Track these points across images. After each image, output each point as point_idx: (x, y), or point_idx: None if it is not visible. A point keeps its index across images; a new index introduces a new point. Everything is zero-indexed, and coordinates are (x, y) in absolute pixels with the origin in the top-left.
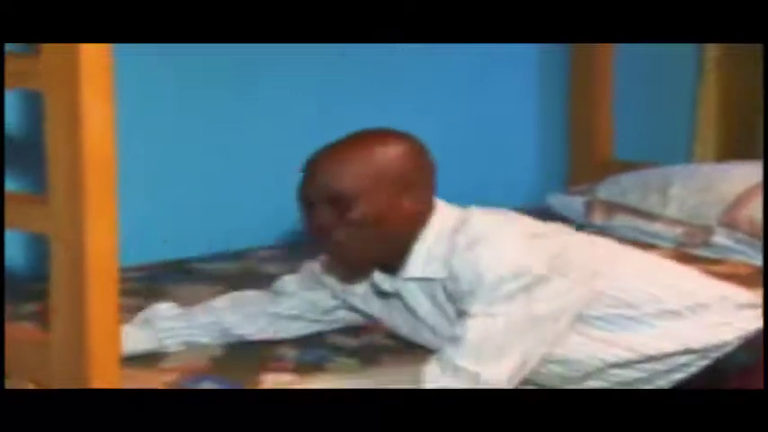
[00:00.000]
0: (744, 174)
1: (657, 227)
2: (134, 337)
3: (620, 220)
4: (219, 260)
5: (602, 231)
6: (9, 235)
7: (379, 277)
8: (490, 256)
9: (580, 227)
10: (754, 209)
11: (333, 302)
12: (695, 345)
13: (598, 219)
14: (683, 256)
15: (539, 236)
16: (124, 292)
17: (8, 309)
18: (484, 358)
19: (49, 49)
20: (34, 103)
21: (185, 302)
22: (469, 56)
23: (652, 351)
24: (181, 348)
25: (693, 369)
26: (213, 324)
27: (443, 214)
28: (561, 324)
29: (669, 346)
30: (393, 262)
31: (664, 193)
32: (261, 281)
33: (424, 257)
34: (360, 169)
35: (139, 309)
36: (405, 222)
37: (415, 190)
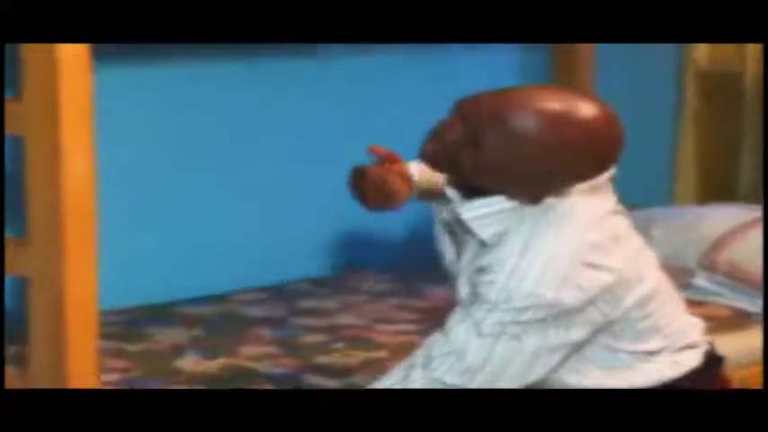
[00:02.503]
0: (724, 216)
1: None
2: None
3: None
4: (200, 303)
5: None
6: None
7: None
8: (533, 277)
9: None
10: (735, 252)
11: None
12: (641, 384)
13: None
14: None
15: (593, 266)
16: (103, 336)
17: None
18: (477, 383)
19: (30, 94)
20: (14, 146)
21: (165, 346)
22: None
23: (605, 386)
24: None
25: None
26: None
27: None
28: (566, 352)
29: (619, 384)
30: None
31: (644, 235)
32: (242, 324)
33: (485, 214)
34: (522, 146)
35: (119, 352)
36: (512, 195)
37: (558, 184)
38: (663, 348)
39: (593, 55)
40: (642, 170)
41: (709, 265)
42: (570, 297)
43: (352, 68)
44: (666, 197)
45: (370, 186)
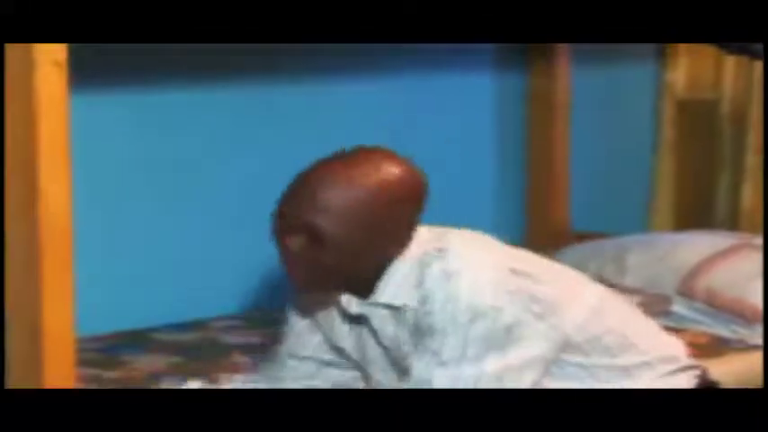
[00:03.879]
0: (701, 243)
1: None
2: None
3: None
4: (178, 330)
5: None
6: None
7: (346, 299)
8: (466, 291)
9: None
10: (712, 279)
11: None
12: None
13: None
14: None
15: (520, 273)
16: (81, 363)
17: None
18: None
19: (7, 124)
20: None
21: (143, 373)
22: (428, 121)
23: None
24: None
25: None
26: None
27: (421, 239)
28: (536, 373)
29: None
30: (364, 286)
31: (621, 263)
32: (220, 351)
33: (397, 284)
34: (349, 210)
35: (97, 379)
36: (380, 258)
37: (401, 231)
38: (642, 364)
39: (570, 82)
40: (619, 198)
41: (687, 293)
42: (505, 302)
43: (324, 96)
44: (643, 225)
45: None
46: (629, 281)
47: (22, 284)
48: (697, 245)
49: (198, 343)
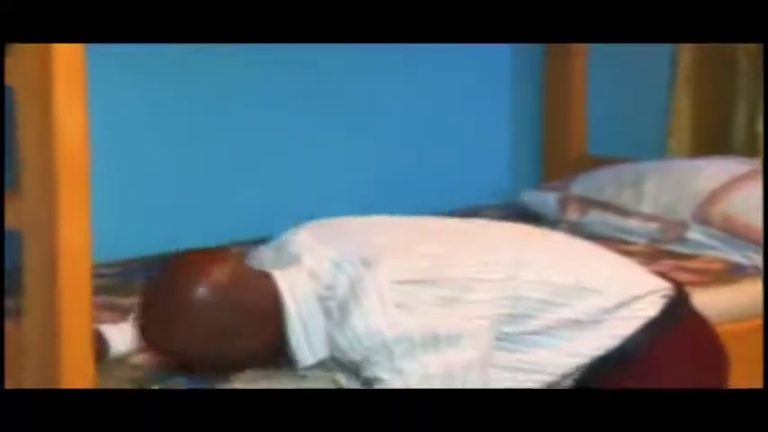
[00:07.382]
0: (718, 169)
1: (632, 223)
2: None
3: (595, 216)
4: None
5: (576, 228)
6: None
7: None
8: (366, 323)
9: (554, 223)
10: (728, 205)
11: None
12: (604, 351)
13: (572, 215)
14: (657, 252)
15: (407, 282)
16: (98, 289)
17: None
18: None
19: (22, 47)
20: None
21: None
22: (442, 51)
23: (566, 369)
24: None
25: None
26: None
27: (293, 286)
28: (478, 364)
29: (581, 360)
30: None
31: (638, 189)
32: None
33: (304, 341)
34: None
35: (114, 305)
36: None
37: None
38: (602, 308)
39: None
40: (636, 124)
41: (703, 218)
42: (403, 318)
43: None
44: (660, 151)
45: None
46: (645, 207)
47: (38, 209)
48: (714, 171)
49: None
